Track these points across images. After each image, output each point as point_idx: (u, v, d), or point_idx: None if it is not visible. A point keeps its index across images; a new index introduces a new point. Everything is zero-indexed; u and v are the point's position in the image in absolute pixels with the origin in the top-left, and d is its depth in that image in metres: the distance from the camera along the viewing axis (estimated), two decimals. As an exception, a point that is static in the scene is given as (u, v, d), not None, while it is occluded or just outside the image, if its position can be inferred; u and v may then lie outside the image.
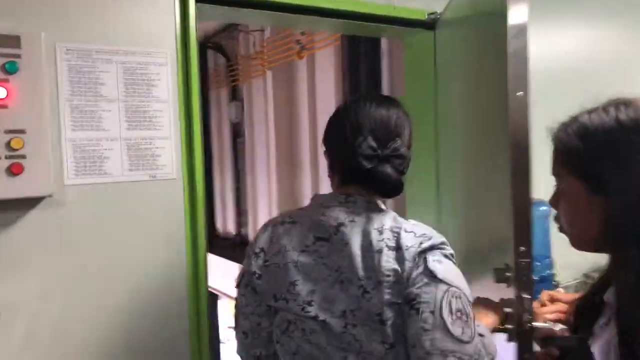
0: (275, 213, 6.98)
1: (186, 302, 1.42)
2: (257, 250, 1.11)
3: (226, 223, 8.88)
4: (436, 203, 1.90)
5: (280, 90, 6.81)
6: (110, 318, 1.33)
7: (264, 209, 7.54)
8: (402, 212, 3.22)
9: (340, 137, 1.09)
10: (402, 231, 1.01)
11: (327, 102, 5.99)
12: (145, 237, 1.38)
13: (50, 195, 1.22)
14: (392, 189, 1.06)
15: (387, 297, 0.97)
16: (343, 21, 1.73)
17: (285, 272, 1.05)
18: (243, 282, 1.14)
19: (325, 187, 6.13)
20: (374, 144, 1.05)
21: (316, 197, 1.14)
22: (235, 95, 8.18)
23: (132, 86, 1.36)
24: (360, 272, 0.99)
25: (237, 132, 8.34)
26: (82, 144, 1.30)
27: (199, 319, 1.43)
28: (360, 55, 4.48)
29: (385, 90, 4.48)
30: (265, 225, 1.15)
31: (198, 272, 1.44)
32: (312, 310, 1.01)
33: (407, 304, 0.97)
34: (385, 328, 0.97)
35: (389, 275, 0.97)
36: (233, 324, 1.19)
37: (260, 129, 7.52)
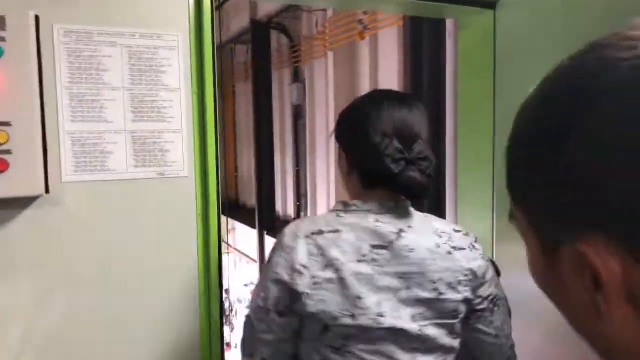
0: (333, 198, 6.84)
1: (197, 313, 1.28)
2: (298, 266, 0.99)
3: (286, 206, 8.85)
4: (491, 208, 1.65)
5: (341, 71, 6.60)
6: (111, 327, 1.22)
7: (323, 193, 7.42)
8: (452, 217, 2.97)
9: (363, 137, 1.05)
10: (453, 232, 1.09)
11: (389, 84, 5.72)
12: (151, 241, 1.25)
13: (40, 195, 1.11)
14: (419, 193, 1.04)
15: (465, 294, 1.05)
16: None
17: (344, 286, 0.99)
18: (266, 305, 1.01)
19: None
20: (400, 146, 1.02)
21: (352, 205, 1.06)
22: (297, 76, 8.06)
23: (139, 72, 1.22)
24: (433, 275, 1.02)
25: (298, 114, 8.23)
26: (82, 137, 1.18)
27: (211, 332, 1.30)
28: (424, 36, 4.18)
29: (449, 73, 4.17)
30: (294, 237, 1.02)
31: (210, 281, 1.29)
32: (386, 321, 1.00)
33: (490, 302, 1.08)
34: (456, 323, 1.05)
35: (466, 275, 1.05)
36: (242, 350, 1.08)
37: (321, 112, 7.36)
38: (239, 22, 8.89)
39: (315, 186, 7.68)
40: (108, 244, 1.21)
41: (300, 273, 0.99)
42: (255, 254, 8.10)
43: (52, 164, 1.14)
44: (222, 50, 9.69)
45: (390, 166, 1.01)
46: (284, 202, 8.81)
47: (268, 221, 7.94)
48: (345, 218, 1.04)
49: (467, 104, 1.83)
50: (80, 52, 1.17)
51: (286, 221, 8.70)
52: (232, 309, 14.68)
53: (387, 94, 1.11)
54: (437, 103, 3.95)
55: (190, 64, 1.26)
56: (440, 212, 3.67)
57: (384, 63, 5.85)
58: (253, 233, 8.12)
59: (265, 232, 7.80)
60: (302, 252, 1.00)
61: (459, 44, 1.86)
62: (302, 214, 8.24)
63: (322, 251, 1.00)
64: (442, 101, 3.94)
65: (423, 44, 4.30)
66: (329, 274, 0.98)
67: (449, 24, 4.30)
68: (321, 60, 7.01)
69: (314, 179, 7.74)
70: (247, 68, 9.18)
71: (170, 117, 1.25)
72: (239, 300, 15.87)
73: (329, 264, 0.99)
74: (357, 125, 1.07)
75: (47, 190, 1.13)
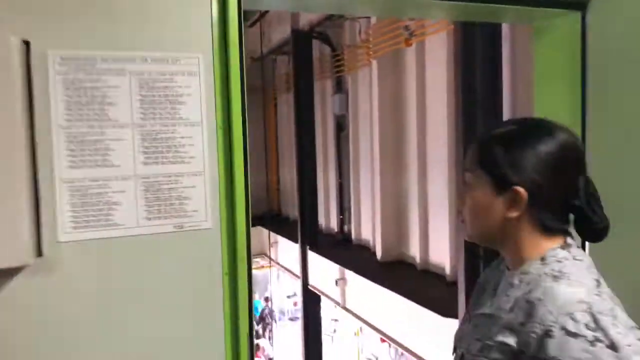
0: (378, 212, 6.55)
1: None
2: None
3: (329, 220, 8.61)
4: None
5: (386, 81, 6.33)
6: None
7: (367, 207, 7.15)
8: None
9: (557, 173, 0.92)
10: None
11: (438, 94, 5.40)
12: (169, 310, 1.03)
13: (25, 266, 0.90)
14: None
15: None
16: (455, 4, 1.26)
17: None
18: None
19: (433, 187, 5.58)
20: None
21: (577, 251, 0.94)
22: (339, 86, 7.82)
23: (152, 105, 1.00)
24: None
25: (340, 126, 7.99)
26: (82, 186, 0.96)
27: (242, 418, 1.06)
28: (477, 41, 3.86)
29: (507, 83, 3.83)
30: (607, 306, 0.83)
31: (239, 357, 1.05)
32: None
33: None
34: None
35: None
36: None
37: (365, 123, 7.10)
38: (280, 32, 8.76)
39: (360, 200, 7.40)
40: (116, 316, 0.99)
41: None
42: (297, 269, 7.87)
43: (46, 220, 0.93)
44: (263, 61, 9.58)
45: (594, 207, 0.92)
46: (327, 216, 8.56)
47: (311, 235, 7.70)
48: (590, 268, 0.92)
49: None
50: (80, 83, 0.95)
51: (329, 235, 8.46)
52: (272, 317, 14.64)
53: (557, 124, 0.96)
54: (495, 117, 3.62)
55: (215, 93, 1.03)
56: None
57: (433, 70, 5.54)
58: (296, 247, 7.90)
59: (308, 247, 7.57)
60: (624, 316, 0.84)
61: (537, 53, 1.57)
62: (345, 227, 7.96)
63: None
64: (499, 115, 3.61)
65: (476, 50, 3.98)
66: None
67: (505, 27, 3.96)
68: (365, 69, 6.75)
69: (357, 192, 7.46)
70: (288, 79, 9.03)
71: (191, 157, 1.03)
72: (282, 312, 15.76)
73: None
74: (544, 162, 0.91)
75: (39, 254, 0.92)
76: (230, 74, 1.03)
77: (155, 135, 1.00)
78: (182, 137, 1.02)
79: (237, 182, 1.04)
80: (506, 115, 3.81)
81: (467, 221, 0.99)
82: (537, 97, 1.63)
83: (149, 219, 1.01)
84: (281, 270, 10.09)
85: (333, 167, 8.18)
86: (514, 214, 0.92)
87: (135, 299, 1.00)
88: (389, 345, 7.10)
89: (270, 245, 9.28)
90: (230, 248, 1.06)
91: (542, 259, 0.90)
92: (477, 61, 3.91)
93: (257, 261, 11.48)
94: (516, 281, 0.91)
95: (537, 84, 1.62)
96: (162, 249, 1.02)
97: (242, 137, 1.04)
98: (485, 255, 3.82)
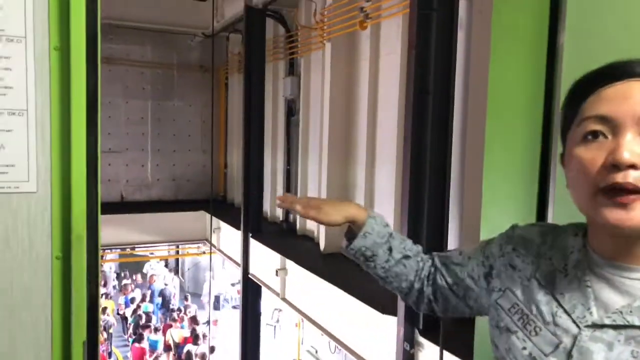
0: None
1: None
2: None
3: (275, 208, 8.29)
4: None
5: (339, 64, 6.04)
6: None
7: (314, 195, 6.88)
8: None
9: None
10: None
11: (391, 80, 5.18)
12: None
13: None
14: None
15: None
16: None
17: None
18: None
19: (380, 181, 5.38)
20: None
21: None
22: (292, 69, 7.50)
23: (-58, 3, 0.68)
24: None
25: (291, 110, 7.67)
26: None
27: None
28: (432, 26, 3.64)
29: (460, 69, 3.64)
30: None
31: (69, 373, 0.75)
32: None
33: None
34: None
35: None
36: None
37: (315, 108, 6.82)
38: (233, 8, 8.33)
39: (307, 188, 7.13)
40: None
41: None
42: (239, 257, 7.53)
43: None
44: (215, 39, 9.12)
45: None
46: (273, 204, 8.24)
47: (254, 223, 7.37)
48: None
49: (503, 96, 1.31)
50: None
51: (274, 223, 8.14)
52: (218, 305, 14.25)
53: None
54: (446, 104, 3.42)
55: (47, -3, 0.72)
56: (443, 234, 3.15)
57: (387, 56, 5.31)
58: (238, 235, 7.56)
59: (250, 234, 7.23)
60: None
61: (494, 17, 1.32)
62: (290, 216, 7.68)
63: None
64: (450, 102, 3.41)
65: (431, 34, 3.76)
66: None
67: (462, 10, 3.77)
68: (318, 52, 6.46)
69: (305, 181, 7.18)
70: (241, 59, 8.62)
71: (7, 87, 0.71)
72: (226, 300, 15.44)
73: None
74: None
75: None
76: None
77: (-53, 49, 0.68)
78: (-6, 57, 0.70)
79: (74, 127, 0.73)
80: (457, 105, 3.61)
81: None
82: (492, 72, 1.39)
83: None
84: (224, 257, 9.72)
85: (282, 153, 7.89)
86: None
87: None
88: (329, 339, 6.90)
89: (212, 231, 8.90)
90: (65, 221, 0.75)
91: None
92: (432, 47, 3.70)
93: (198, 246, 11.06)
94: None
95: (494, 53, 1.38)
96: (-45, 216, 0.70)
97: (85, 62, 0.73)
98: (427, 246, 3.61)
